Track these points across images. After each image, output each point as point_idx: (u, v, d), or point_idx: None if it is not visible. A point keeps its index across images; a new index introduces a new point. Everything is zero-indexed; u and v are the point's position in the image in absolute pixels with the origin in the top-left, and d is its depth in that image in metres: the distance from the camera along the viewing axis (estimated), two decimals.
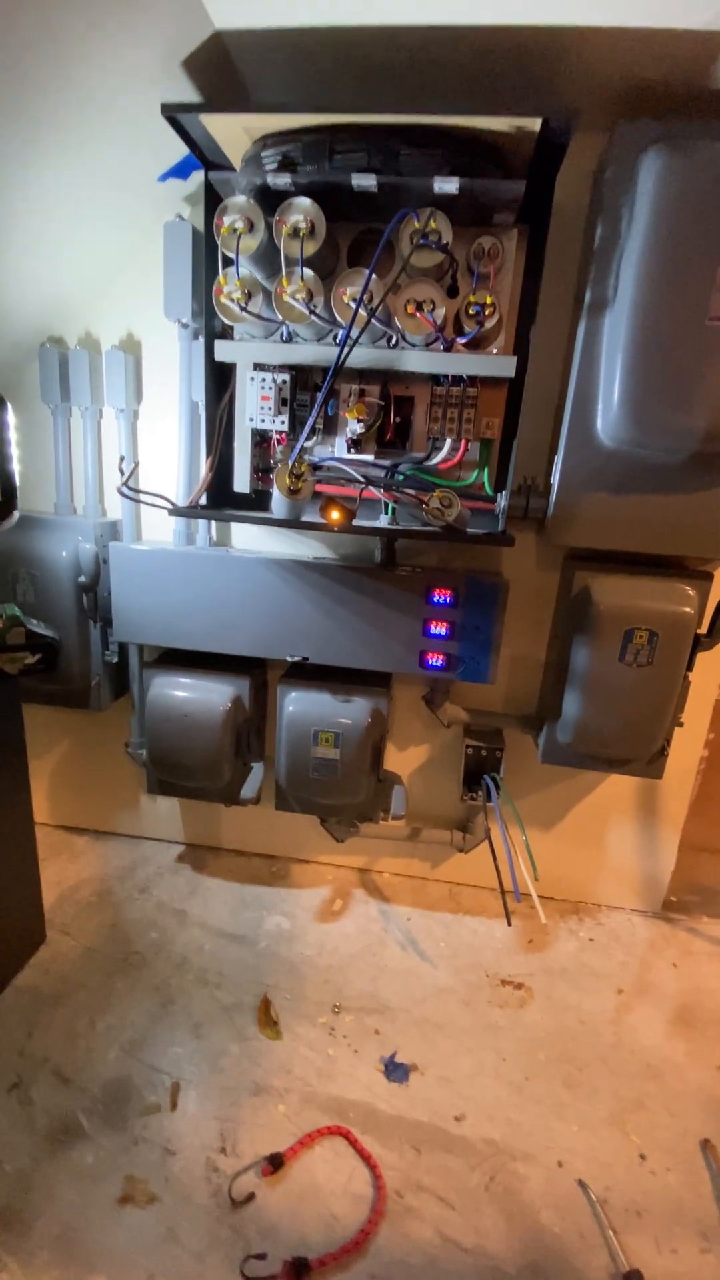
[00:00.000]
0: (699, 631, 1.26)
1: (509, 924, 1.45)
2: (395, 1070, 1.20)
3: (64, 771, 1.76)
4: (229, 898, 1.61)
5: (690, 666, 1.27)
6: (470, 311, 1.12)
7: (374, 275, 1.06)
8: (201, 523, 1.47)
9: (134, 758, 1.66)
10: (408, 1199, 1.00)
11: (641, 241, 1.02)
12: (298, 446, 1.12)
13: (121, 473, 1.24)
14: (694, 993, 1.42)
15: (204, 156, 1.15)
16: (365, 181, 1.03)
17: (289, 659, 1.40)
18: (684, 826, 1.57)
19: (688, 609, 1.23)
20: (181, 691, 1.45)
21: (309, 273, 1.09)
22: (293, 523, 1.23)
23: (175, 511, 1.25)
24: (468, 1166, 1.05)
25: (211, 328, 1.25)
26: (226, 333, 1.26)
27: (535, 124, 0.97)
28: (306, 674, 1.49)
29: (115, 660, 1.53)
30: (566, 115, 0.95)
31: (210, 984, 1.36)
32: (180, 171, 1.23)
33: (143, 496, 1.23)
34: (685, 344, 1.03)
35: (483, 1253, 0.94)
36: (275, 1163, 1.02)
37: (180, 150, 1.14)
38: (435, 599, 1.33)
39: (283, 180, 1.06)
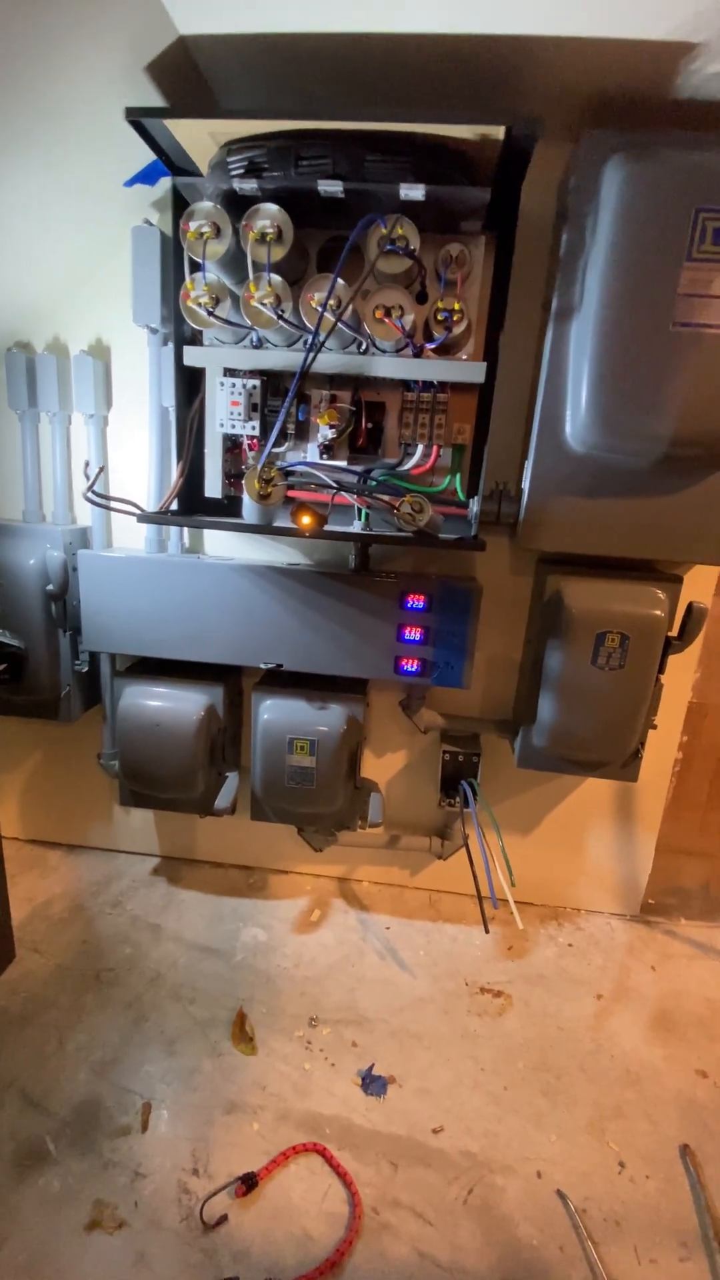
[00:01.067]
0: (670, 634, 1.26)
1: (486, 931, 1.44)
2: (373, 1083, 1.18)
3: (35, 785, 1.73)
4: (205, 910, 1.58)
5: (662, 669, 1.27)
6: (439, 318, 1.12)
7: (342, 281, 1.06)
8: (173, 529, 1.46)
9: (106, 769, 1.62)
10: (384, 1215, 0.98)
11: (605, 249, 1.03)
12: (265, 451, 1.11)
13: (87, 478, 1.21)
14: (673, 996, 1.41)
15: (170, 162, 1.14)
16: (331, 188, 1.03)
17: (263, 666, 1.38)
18: (660, 829, 1.58)
19: (658, 612, 1.24)
20: (153, 701, 1.43)
21: (276, 278, 1.08)
22: (264, 528, 1.22)
23: (144, 518, 1.24)
24: (445, 1180, 1.03)
25: (181, 333, 1.24)
26: (196, 338, 1.25)
27: (499, 132, 0.98)
28: (281, 681, 1.47)
29: (85, 670, 1.50)
30: (530, 123, 0.96)
31: (184, 999, 1.33)
32: (147, 177, 1.23)
33: (111, 503, 1.21)
34: (650, 349, 1.04)
35: (460, 1269, 0.92)
36: (249, 1183, 0.99)
37: (147, 156, 1.14)
38: (409, 604, 1.33)
39: (249, 186, 1.06)
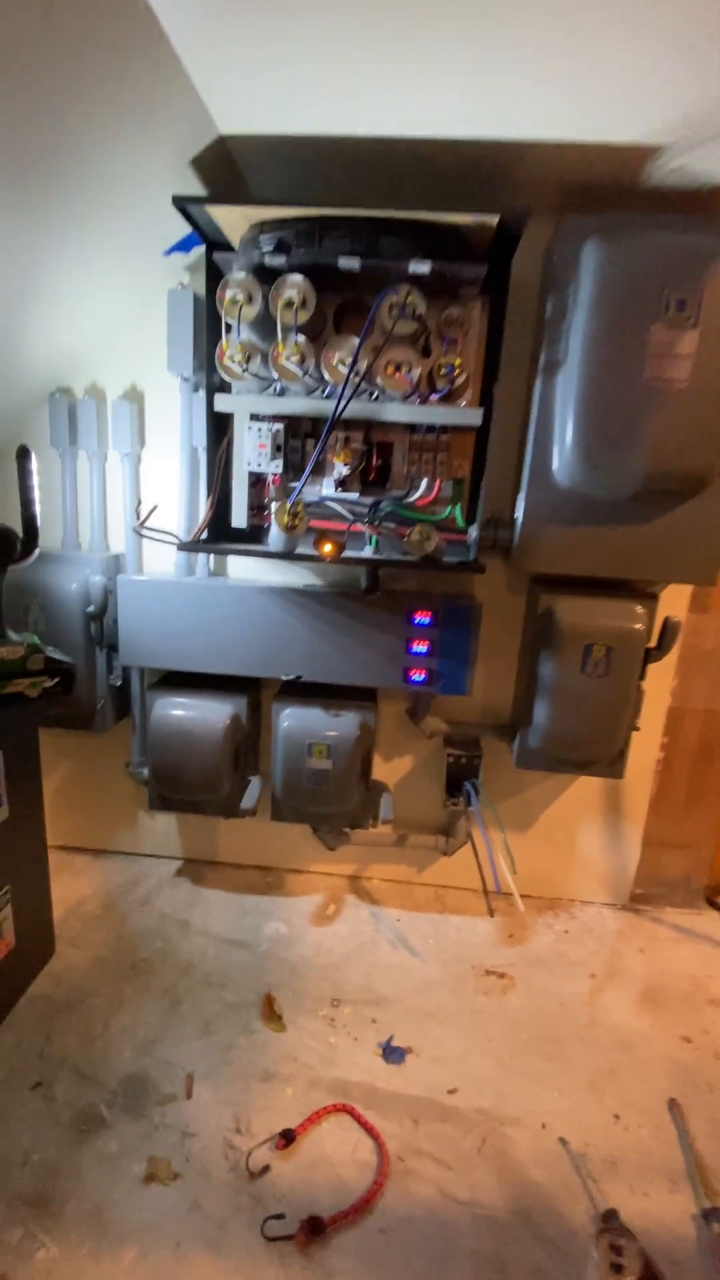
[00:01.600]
0: (649, 645, 1.42)
1: (491, 915, 1.58)
2: (392, 1053, 1.30)
3: (65, 792, 1.84)
4: (228, 907, 1.70)
5: (643, 676, 1.43)
6: (442, 372, 1.29)
7: (355, 339, 1.23)
8: (200, 554, 1.60)
9: (134, 777, 1.75)
10: (409, 1163, 1.10)
11: (586, 315, 1.21)
12: (296, 491, 1.26)
13: (138, 515, 1.36)
14: (659, 975, 1.55)
15: (205, 235, 1.31)
16: (350, 263, 1.20)
17: (284, 678, 1.52)
18: (646, 824, 1.73)
19: (639, 625, 1.40)
20: (183, 711, 1.56)
21: (301, 338, 1.25)
22: (289, 555, 1.37)
23: (183, 546, 1.38)
24: (461, 1133, 1.16)
25: (211, 382, 1.39)
26: (225, 386, 1.40)
27: (493, 220, 1.15)
28: (299, 691, 1.61)
29: (119, 684, 1.63)
30: (519, 213, 1.14)
31: (215, 985, 1.45)
32: (183, 247, 1.39)
33: (156, 534, 1.36)
34: (626, 400, 1.21)
35: (478, 1204, 1.05)
36: (287, 1137, 1.11)
37: (183, 228, 1.30)
38: (416, 620, 1.48)
39: (278, 260, 1.22)
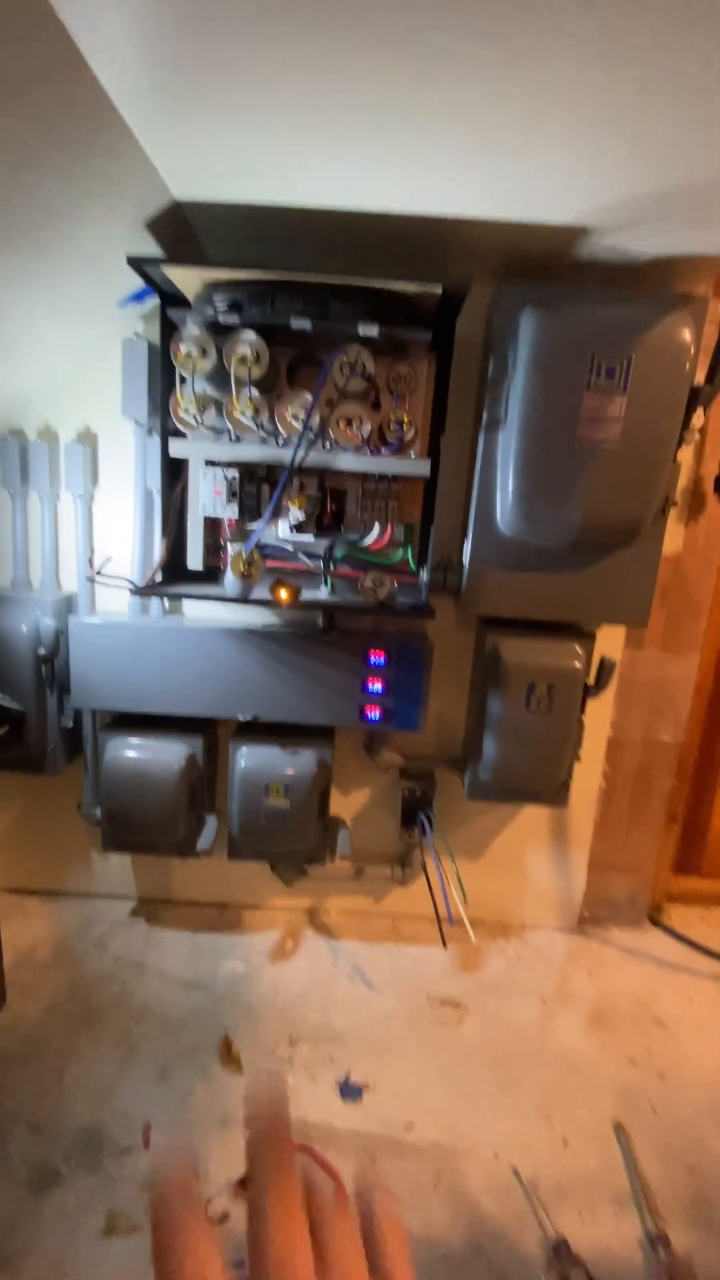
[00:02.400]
0: (587, 682, 1.50)
1: (444, 946, 1.62)
2: (349, 1091, 1.32)
3: (15, 835, 1.81)
4: (185, 947, 1.69)
5: (583, 711, 1.51)
6: (392, 427, 1.35)
7: (309, 396, 1.28)
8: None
9: (86, 818, 1.73)
10: None
11: (523, 378, 1.29)
12: (253, 539, 1.30)
13: (90, 565, 1.37)
14: (607, 996, 1.62)
15: (160, 290, 1.34)
16: (302, 324, 1.25)
17: (240, 718, 1.55)
18: (591, 849, 1.81)
19: (578, 664, 1.48)
20: (137, 752, 1.56)
21: (255, 392, 1.29)
22: (244, 600, 1.40)
23: (137, 591, 1.40)
24: (417, 1167, 1.19)
25: (166, 427, 1.42)
26: (179, 431, 1.43)
27: (437, 289, 1.23)
28: (256, 730, 1.63)
29: (71, 726, 1.62)
30: (461, 283, 1.21)
31: (172, 1029, 1.44)
32: (138, 298, 1.42)
33: (110, 581, 1.37)
34: (560, 458, 1.29)
35: (432, 1239, 1.07)
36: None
37: (138, 281, 1.33)
38: (372, 660, 1.53)
39: (231, 319, 1.26)
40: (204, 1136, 1.21)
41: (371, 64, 0.84)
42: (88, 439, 1.57)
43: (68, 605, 1.62)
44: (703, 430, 1.55)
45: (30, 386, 1.51)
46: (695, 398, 1.30)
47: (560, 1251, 1.04)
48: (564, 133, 0.98)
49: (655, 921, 1.90)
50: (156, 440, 1.46)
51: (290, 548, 1.45)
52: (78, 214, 1.16)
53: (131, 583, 1.37)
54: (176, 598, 1.62)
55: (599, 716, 1.69)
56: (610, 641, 1.64)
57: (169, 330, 1.35)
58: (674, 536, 1.62)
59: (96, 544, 1.62)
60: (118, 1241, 1.03)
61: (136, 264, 1.21)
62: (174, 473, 1.49)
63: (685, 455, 1.56)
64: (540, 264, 1.37)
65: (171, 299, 1.37)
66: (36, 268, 1.23)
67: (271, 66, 0.86)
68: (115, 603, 1.63)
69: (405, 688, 1.53)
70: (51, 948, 1.65)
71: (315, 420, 1.30)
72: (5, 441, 1.53)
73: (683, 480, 1.58)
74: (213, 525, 1.50)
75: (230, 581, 1.35)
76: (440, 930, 1.53)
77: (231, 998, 1.53)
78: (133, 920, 1.77)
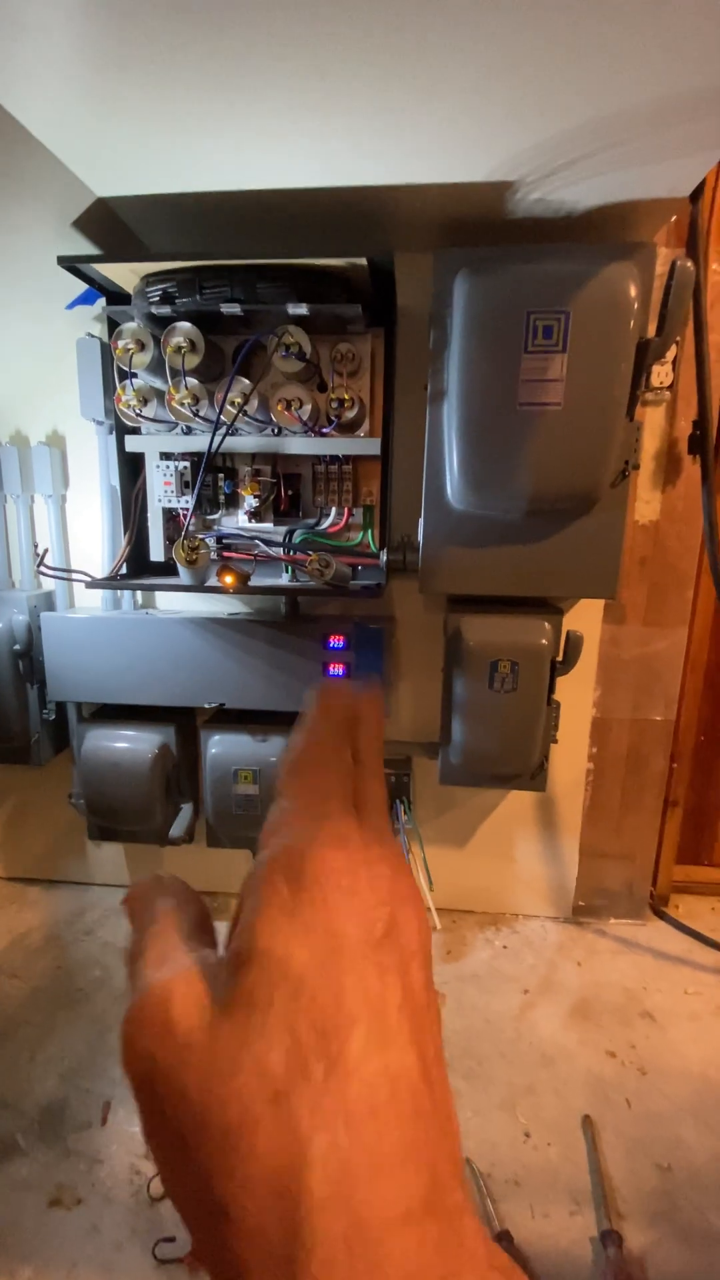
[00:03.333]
0: (556, 659, 1.44)
1: None
2: None
3: (13, 825, 1.89)
4: None
5: (552, 689, 1.45)
6: (333, 405, 1.34)
7: (247, 381, 1.29)
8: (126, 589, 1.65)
9: (76, 808, 1.79)
10: None
11: (460, 345, 1.25)
12: (187, 525, 1.31)
13: (36, 557, 1.41)
14: (593, 987, 1.55)
15: (103, 288, 1.37)
16: (231, 309, 1.25)
17: (206, 705, 1.56)
18: (581, 835, 1.73)
19: (543, 641, 1.42)
20: (112, 742, 1.60)
21: (193, 381, 1.30)
22: (197, 588, 1.41)
23: (92, 584, 1.43)
24: None
25: (122, 425, 1.45)
26: (136, 429, 1.46)
27: (362, 261, 1.20)
28: (229, 718, 1.65)
29: (52, 718, 1.68)
30: (383, 254, 1.19)
31: None
32: (86, 300, 1.46)
33: (62, 574, 1.41)
34: (503, 425, 1.25)
35: None
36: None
37: (83, 284, 1.36)
38: (331, 644, 1.52)
39: (164, 310, 1.28)
40: None
41: (268, 61, 0.83)
42: (56, 441, 1.63)
43: (47, 602, 1.68)
44: (672, 388, 1.47)
45: (0, 395, 1.57)
46: (645, 352, 1.23)
47: (501, 1243, 1.00)
48: (462, 88, 0.94)
49: (658, 912, 1.80)
50: (113, 439, 1.49)
51: (249, 536, 1.46)
52: (6, 223, 1.21)
53: (87, 574, 1.41)
54: (132, 589, 1.65)
55: (580, 696, 1.62)
56: (588, 617, 1.58)
57: (114, 328, 1.37)
58: (650, 503, 1.54)
59: (71, 542, 1.67)
60: (59, 1214, 1.06)
61: (68, 264, 1.24)
62: (134, 468, 1.52)
63: (654, 416, 1.48)
64: (478, 228, 1.32)
65: (115, 295, 1.40)
66: None
67: (183, 61, 0.86)
68: (93, 599, 1.68)
69: (366, 671, 1.51)
70: (43, 934, 1.72)
71: (253, 404, 1.30)
72: None
73: (655, 442, 1.50)
74: (173, 518, 1.52)
75: (182, 570, 1.36)
76: None
77: None
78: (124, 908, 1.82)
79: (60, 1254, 1.01)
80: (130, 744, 1.59)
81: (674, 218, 1.39)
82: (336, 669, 1.52)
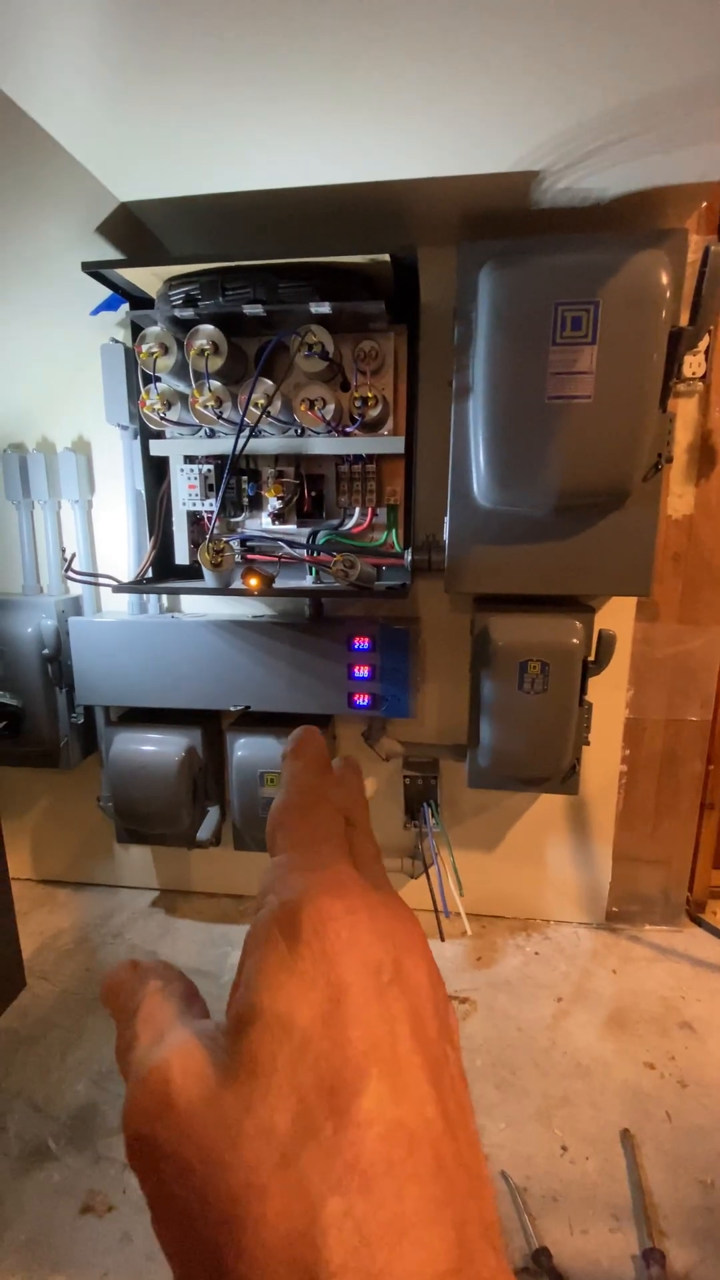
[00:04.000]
0: (588, 659, 1.41)
1: (441, 939, 1.56)
2: None
3: (44, 828, 1.90)
4: (198, 937, 1.72)
5: (584, 690, 1.41)
6: (356, 404, 1.32)
7: (270, 382, 1.28)
8: (152, 593, 1.66)
9: (105, 811, 1.80)
10: None
11: (486, 339, 1.22)
12: (211, 528, 1.31)
13: (64, 561, 1.42)
14: (629, 995, 1.51)
15: (126, 293, 1.38)
16: (254, 310, 1.25)
17: (232, 708, 1.56)
18: (615, 839, 1.69)
19: (575, 640, 1.38)
20: (139, 745, 1.60)
21: (216, 384, 1.30)
22: (222, 590, 1.41)
23: (119, 588, 1.44)
24: None
25: (146, 429, 1.46)
26: (160, 433, 1.46)
27: (385, 257, 1.19)
28: (254, 721, 1.64)
29: (81, 722, 1.69)
30: (407, 250, 1.17)
31: None
32: (110, 305, 1.46)
33: (90, 578, 1.41)
34: (531, 420, 1.22)
35: None
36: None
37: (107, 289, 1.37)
38: (356, 645, 1.50)
39: (187, 313, 1.28)
40: None
41: (294, 55, 0.82)
42: (81, 447, 1.64)
43: (75, 607, 1.69)
44: (705, 378, 1.42)
45: (25, 400, 1.59)
46: (678, 341, 1.19)
47: (540, 1261, 0.97)
48: (486, 81, 0.92)
49: (695, 918, 1.75)
50: (138, 443, 1.50)
51: (273, 538, 1.45)
52: (31, 230, 1.22)
53: (114, 579, 1.42)
54: (159, 593, 1.65)
55: (612, 696, 1.58)
56: (620, 615, 1.54)
57: (138, 332, 1.38)
58: (683, 497, 1.49)
59: (97, 547, 1.68)
60: (91, 1221, 1.06)
61: (92, 270, 1.25)
62: (160, 473, 1.52)
63: (686, 407, 1.44)
64: (502, 220, 1.29)
65: (139, 300, 1.40)
66: (2, 288, 1.29)
67: (206, 61, 0.86)
68: (119, 603, 1.69)
69: (392, 673, 1.50)
70: (73, 936, 1.73)
71: (276, 405, 1.29)
72: (6, 456, 1.62)
73: (688, 434, 1.46)
74: (198, 522, 1.52)
75: (207, 573, 1.36)
76: (438, 922, 1.48)
77: None
78: (152, 911, 1.82)
79: (92, 1263, 1.00)
80: (157, 747, 1.60)
81: (705, 203, 1.35)
82: (362, 671, 1.50)
